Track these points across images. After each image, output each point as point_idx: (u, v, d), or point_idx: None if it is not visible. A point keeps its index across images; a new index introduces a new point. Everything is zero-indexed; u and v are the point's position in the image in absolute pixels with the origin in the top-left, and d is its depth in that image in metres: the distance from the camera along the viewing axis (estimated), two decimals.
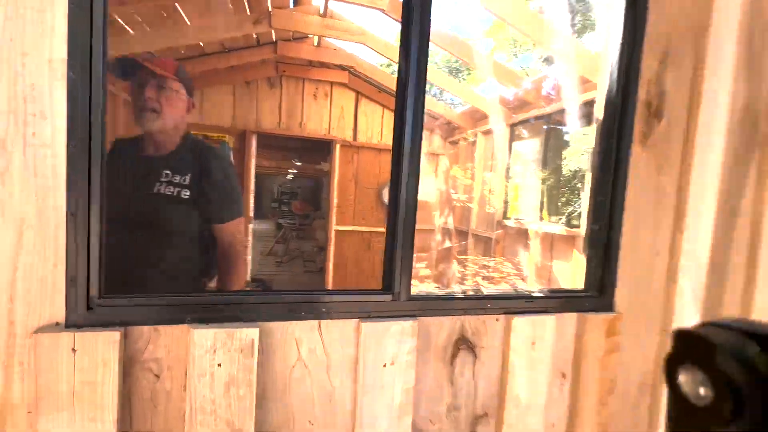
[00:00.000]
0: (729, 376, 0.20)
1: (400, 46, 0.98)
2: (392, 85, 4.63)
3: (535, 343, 1.07)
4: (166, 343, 0.84)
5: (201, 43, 3.76)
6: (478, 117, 5.25)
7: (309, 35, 4.11)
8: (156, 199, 1.16)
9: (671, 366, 0.22)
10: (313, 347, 0.93)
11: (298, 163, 7.47)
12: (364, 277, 4.74)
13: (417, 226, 0.99)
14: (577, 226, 3.82)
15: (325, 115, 4.68)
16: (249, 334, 0.86)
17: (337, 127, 4.71)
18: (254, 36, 3.93)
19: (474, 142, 5.45)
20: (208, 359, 0.84)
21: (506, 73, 4.01)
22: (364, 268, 4.75)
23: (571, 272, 3.42)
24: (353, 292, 0.97)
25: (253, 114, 4.45)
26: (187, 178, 1.18)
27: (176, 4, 3.03)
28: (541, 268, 4.03)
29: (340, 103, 4.71)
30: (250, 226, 4.65)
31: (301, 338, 0.92)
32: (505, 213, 4.91)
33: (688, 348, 0.22)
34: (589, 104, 3.45)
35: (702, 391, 0.21)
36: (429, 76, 0.99)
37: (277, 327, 0.90)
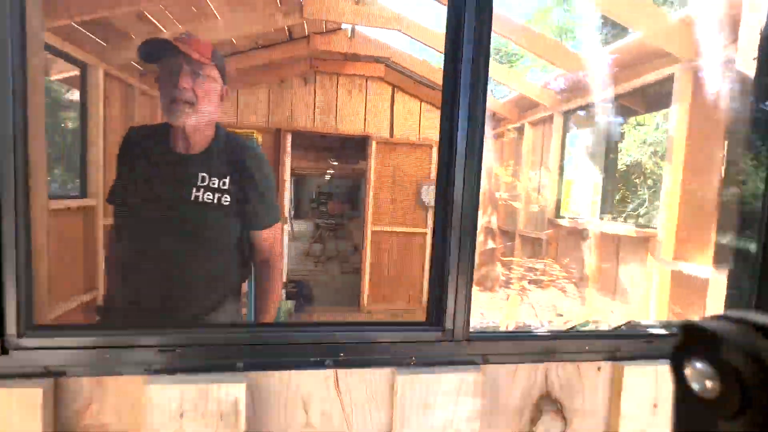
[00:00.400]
0: (737, 369, 0.19)
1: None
2: (430, 76, 4.30)
3: (659, 405, 0.72)
4: (114, 402, 0.58)
5: (233, 40, 3.65)
6: (524, 106, 4.77)
7: (342, 26, 3.89)
8: (194, 208, 0.99)
9: (678, 359, 0.21)
10: (327, 409, 0.64)
11: (335, 163, 7.32)
12: (402, 282, 4.47)
13: None
14: (649, 226, 3.28)
15: (360, 111, 4.48)
16: (231, 391, 0.58)
17: (372, 124, 4.48)
18: (286, 30, 3.77)
19: (521, 136, 4.97)
20: (173, 429, 0.57)
21: (565, 55, 3.54)
22: (402, 272, 4.47)
23: (645, 282, 2.91)
24: (386, 327, 0.67)
25: (287, 112, 4.34)
26: (226, 181, 1.01)
27: None
28: (604, 274, 3.52)
29: (376, 97, 4.49)
30: (288, 227, 4.52)
31: (309, 395, 0.64)
32: (557, 211, 4.40)
33: (696, 341, 0.21)
34: (660, 83, 2.93)
35: (709, 384, 0.20)
36: None
37: (274, 379, 0.62)
